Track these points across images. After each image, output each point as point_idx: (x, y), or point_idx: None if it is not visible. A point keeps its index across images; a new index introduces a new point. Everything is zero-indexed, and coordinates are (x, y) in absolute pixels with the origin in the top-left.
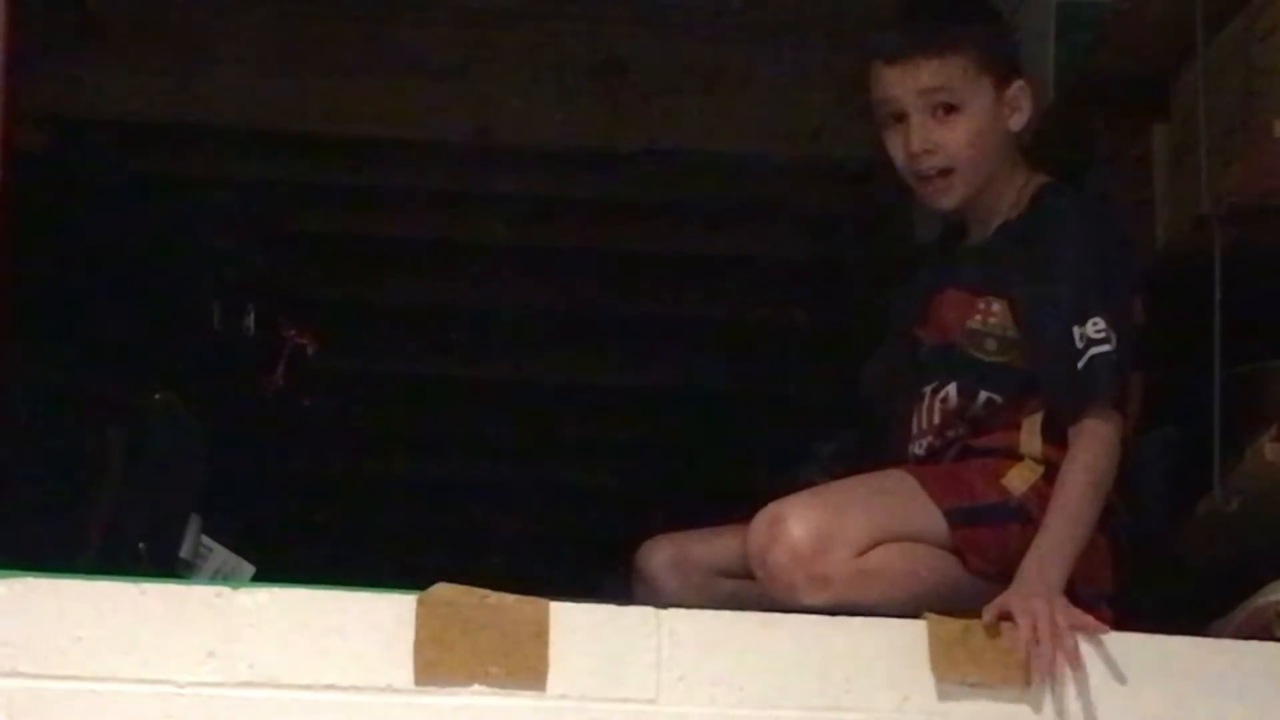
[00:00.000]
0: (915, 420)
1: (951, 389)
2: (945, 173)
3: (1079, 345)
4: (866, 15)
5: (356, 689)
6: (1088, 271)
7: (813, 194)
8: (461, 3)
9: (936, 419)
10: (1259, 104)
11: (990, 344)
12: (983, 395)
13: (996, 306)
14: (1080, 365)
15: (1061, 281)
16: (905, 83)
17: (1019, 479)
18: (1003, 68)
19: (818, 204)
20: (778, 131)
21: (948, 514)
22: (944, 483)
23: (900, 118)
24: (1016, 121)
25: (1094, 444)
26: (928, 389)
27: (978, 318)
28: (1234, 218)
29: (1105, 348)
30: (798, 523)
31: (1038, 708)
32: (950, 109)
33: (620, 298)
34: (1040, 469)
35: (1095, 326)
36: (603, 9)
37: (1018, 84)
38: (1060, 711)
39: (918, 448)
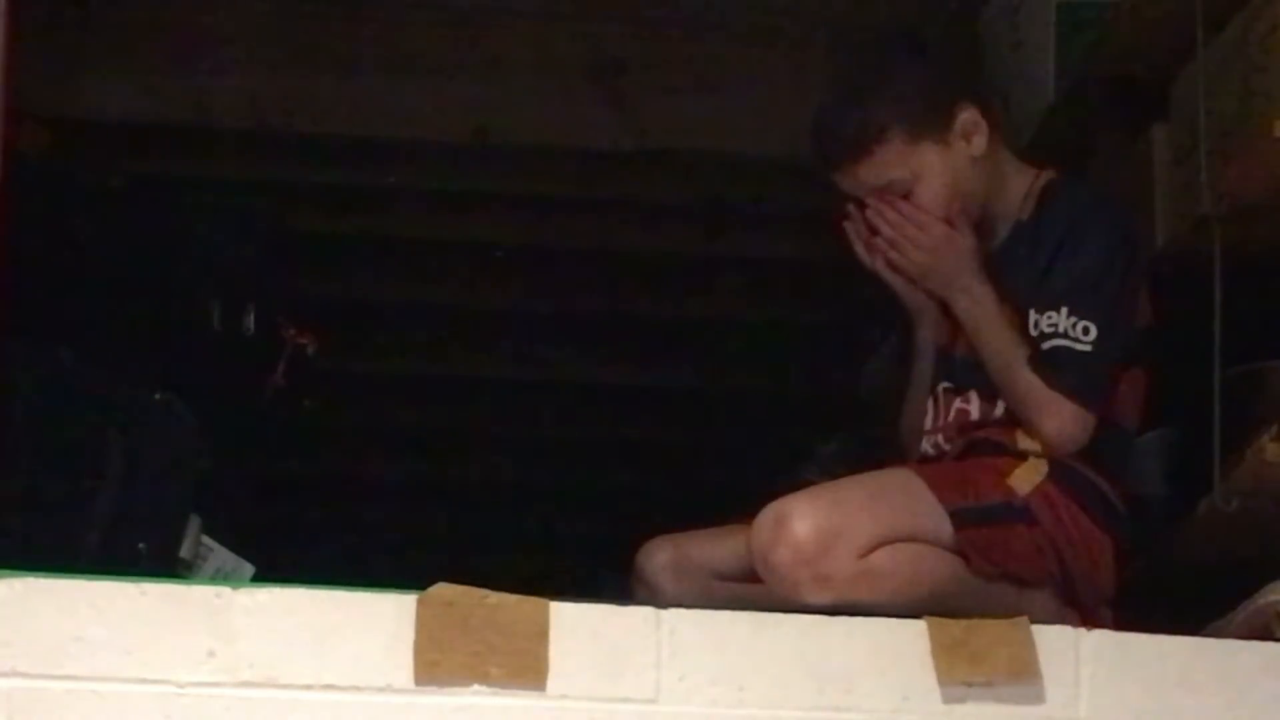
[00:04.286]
0: (930, 417)
1: (974, 396)
2: None
3: (1032, 332)
4: (865, 15)
5: (356, 689)
6: (1083, 269)
7: (812, 194)
8: (461, 3)
9: (951, 418)
10: (1259, 104)
11: None
12: (1001, 404)
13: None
14: (1043, 349)
15: (1053, 275)
16: (851, 184)
17: (1024, 479)
18: (939, 117)
19: (817, 204)
20: (778, 131)
21: (953, 515)
22: (949, 483)
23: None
24: (978, 145)
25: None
26: (953, 393)
27: None
28: (1234, 218)
29: (1065, 342)
30: (802, 521)
31: (1037, 708)
32: (906, 189)
33: (620, 298)
34: (1045, 468)
35: (1072, 321)
36: (602, 9)
37: (961, 117)
38: (1060, 712)
39: (927, 443)
